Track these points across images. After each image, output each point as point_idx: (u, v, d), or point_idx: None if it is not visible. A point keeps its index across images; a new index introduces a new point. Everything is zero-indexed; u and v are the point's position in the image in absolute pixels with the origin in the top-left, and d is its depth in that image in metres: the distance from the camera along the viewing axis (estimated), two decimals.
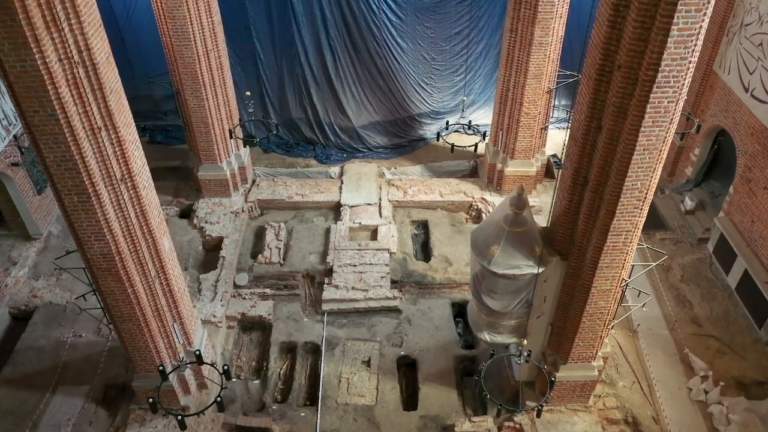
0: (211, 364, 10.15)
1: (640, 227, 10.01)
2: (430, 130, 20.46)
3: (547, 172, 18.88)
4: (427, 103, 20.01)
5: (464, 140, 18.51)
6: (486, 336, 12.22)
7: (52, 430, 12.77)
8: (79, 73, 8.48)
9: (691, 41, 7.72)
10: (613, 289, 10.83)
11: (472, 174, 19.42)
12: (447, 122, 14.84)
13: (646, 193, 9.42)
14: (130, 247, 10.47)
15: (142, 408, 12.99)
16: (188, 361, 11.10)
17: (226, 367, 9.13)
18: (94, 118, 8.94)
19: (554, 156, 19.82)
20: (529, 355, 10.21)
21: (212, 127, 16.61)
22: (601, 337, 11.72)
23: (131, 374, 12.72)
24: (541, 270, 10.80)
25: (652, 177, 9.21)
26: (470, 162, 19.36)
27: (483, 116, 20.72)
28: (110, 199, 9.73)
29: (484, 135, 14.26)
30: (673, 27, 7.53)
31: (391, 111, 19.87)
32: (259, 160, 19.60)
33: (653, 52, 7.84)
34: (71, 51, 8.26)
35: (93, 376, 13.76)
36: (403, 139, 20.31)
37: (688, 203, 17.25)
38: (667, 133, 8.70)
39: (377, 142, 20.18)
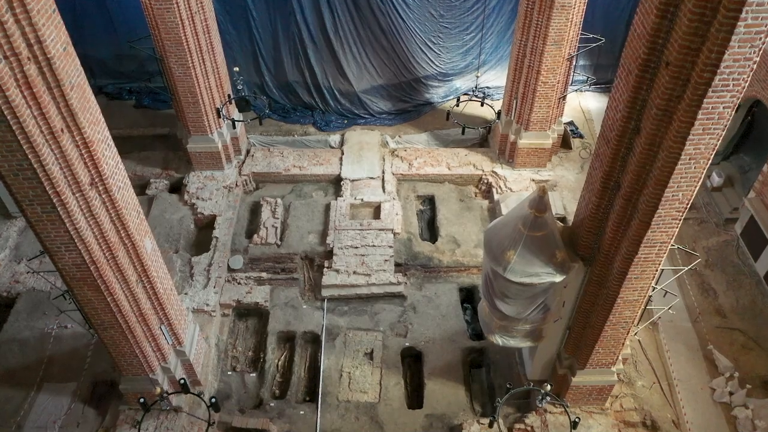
0: (197, 395, 9.27)
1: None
2: (437, 93, 18.99)
3: (564, 142, 17.54)
4: (435, 64, 18.45)
5: (476, 109, 17.07)
6: (498, 339, 11.32)
7: None
8: (30, 70, 7.22)
9: (759, 39, 6.41)
10: (641, 299, 9.84)
11: (482, 143, 18.09)
12: (458, 99, 13.43)
13: (687, 204, 8.28)
14: (107, 254, 9.46)
15: (132, 408, 12.30)
16: (170, 392, 10.25)
17: (213, 400, 8.26)
18: (53, 120, 7.73)
19: (571, 123, 18.60)
20: (550, 395, 9.33)
21: (201, 97, 15.21)
22: (623, 343, 10.82)
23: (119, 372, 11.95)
24: (561, 278, 9.77)
25: (695, 187, 8.05)
26: (480, 130, 17.96)
27: (495, 78, 19.22)
28: (79, 206, 8.65)
29: (498, 114, 12.88)
30: (739, 23, 6.21)
31: (395, 74, 18.34)
32: (253, 128, 18.22)
33: (712, 51, 6.52)
34: (19, 46, 6.98)
35: (80, 372, 13.02)
36: (408, 103, 18.87)
37: (715, 179, 16.01)
38: (718, 140, 7.48)
39: (380, 107, 18.75)
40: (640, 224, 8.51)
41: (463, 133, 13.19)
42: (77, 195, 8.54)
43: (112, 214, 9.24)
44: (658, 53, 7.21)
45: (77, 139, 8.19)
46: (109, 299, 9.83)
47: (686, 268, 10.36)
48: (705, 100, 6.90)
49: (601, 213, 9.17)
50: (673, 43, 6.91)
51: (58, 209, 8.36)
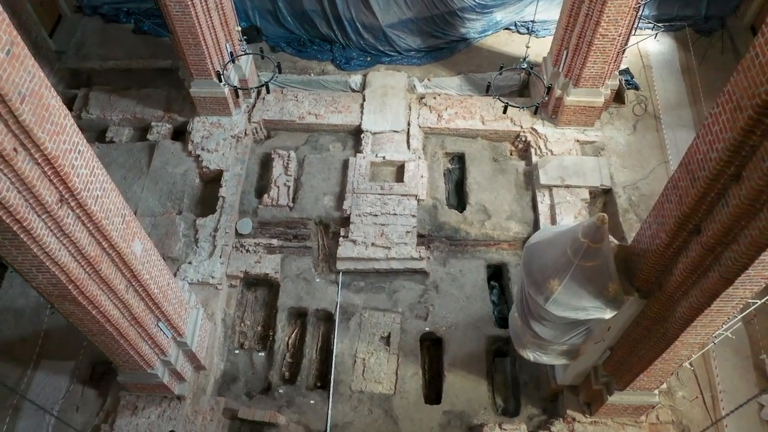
0: None
1: None
2: (474, 28, 16.57)
3: (616, 95, 15.33)
4: None
5: (518, 47, 14.84)
6: (529, 355, 10.19)
7: (36, 415, 11.57)
8: None
9: None
10: (704, 342, 8.50)
11: (521, 92, 15.97)
12: (501, 66, 11.32)
13: None
14: (88, 269, 8.23)
15: (132, 395, 11.64)
16: None
17: None
18: (2, 142, 6.20)
19: (626, 72, 16.24)
20: None
21: (203, 38, 13.20)
22: (671, 373, 9.62)
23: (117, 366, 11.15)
24: (611, 315, 8.41)
25: None
26: (521, 76, 15.81)
27: (542, 11, 16.57)
28: (48, 227, 7.32)
29: (548, 90, 10.86)
30: None
31: (426, 5, 15.89)
32: (265, 65, 16.16)
33: None
34: None
35: (78, 350, 12.27)
36: (440, 39, 16.54)
37: None
38: None
39: (408, 44, 16.47)
40: (720, 280, 6.97)
41: (504, 112, 11.24)
42: (44, 216, 7.17)
43: (90, 228, 7.90)
44: None
45: (36, 156, 6.67)
46: (94, 312, 8.75)
47: (760, 302, 8.89)
48: None
49: (671, 253, 7.62)
50: None
51: (21, 236, 7.04)
